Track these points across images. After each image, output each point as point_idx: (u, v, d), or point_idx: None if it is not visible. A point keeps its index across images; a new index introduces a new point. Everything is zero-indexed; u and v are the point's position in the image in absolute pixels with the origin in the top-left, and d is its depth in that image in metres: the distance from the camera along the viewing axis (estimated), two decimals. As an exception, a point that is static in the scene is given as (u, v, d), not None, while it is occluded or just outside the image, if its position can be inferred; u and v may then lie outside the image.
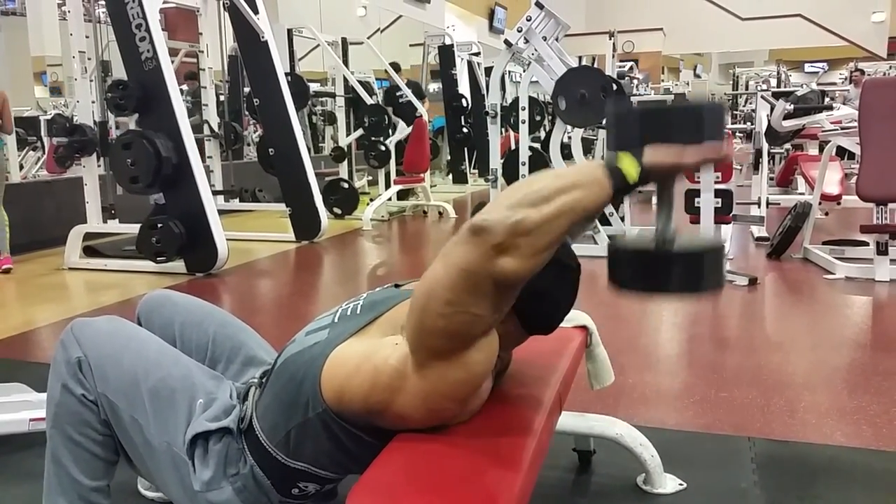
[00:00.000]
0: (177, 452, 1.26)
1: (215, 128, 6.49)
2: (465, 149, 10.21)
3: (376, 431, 1.14)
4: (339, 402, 1.14)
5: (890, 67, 13.90)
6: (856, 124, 4.48)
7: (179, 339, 1.52)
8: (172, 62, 4.82)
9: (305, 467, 1.22)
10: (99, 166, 5.15)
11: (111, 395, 1.30)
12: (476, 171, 10.45)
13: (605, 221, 5.28)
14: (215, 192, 5.80)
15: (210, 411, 1.28)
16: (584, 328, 1.71)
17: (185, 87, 7.59)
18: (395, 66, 8.59)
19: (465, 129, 10.01)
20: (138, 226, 4.60)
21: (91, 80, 4.96)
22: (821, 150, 5.96)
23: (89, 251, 5.08)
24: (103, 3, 4.74)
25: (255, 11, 5.59)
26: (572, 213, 0.94)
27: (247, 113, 7.42)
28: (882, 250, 4.11)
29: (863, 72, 11.77)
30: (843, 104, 6.76)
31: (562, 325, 1.54)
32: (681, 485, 1.83)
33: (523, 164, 5.17)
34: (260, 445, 1.24)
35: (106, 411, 1.31)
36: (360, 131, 7.48)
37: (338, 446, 1.18)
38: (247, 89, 6.43)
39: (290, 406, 1.19)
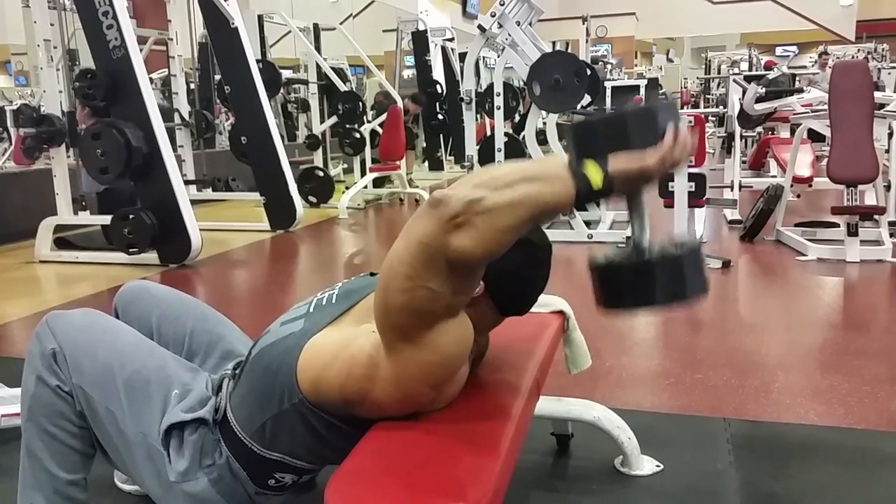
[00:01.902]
0: (152, 444, 1.25)
1: (186, 116, 6.40)
2: (441, 136, 10.18)
3: (354, 421, 1.14)
4: (316, 392, 1.13)
5: (858, 50, 14.04)
6: (826, 107, 4.53)
7: (157, 332, 1.51)
8: (141, 50, 4.74)
9: (282, 458, 1.22)
10: (68, 157, 5.06)
11: (86, 386, 1.29)
12: (452, 157, 10.44)
13: (581, 206, 5.30)
14: (187, 182, 5.73)
15: (185, 402, 1.27)
16: (561, 313, 1.72)
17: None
18: (418, 100, 8.80)
19: (440, 116, 9.97)
20: (110, 217, 4.53)
21: (58, 70, 4.86)
22: (792, 132, 6.02)
23: (61, 243, 5.00)
24: (68, -11, 4.65)
25: (225, -3, 5.50)
26: (532, 204, 0.94)
27: (218, 101, 7.33)
28: (852, 231, 4.17)
29: (828, 53, 11.89)
30: (809, 85, 6.83)
31: (539, 309, 1.54)
32: (658, 466, 1.85)
33: (499, 150, 5.16)
34: (235, 436, 1.23)
35: (81, 403, 1.30)
36: (334, 119, 7.43)
37: (314, 436, 1.18)
38: (217, 77, 6.35)
39: (265, 397, 1.19)
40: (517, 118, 8.03)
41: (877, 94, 4.60)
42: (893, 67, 9.60)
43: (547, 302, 1.71)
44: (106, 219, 4.59)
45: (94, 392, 1.28)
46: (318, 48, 7.77)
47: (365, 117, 7.53)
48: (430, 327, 1.04)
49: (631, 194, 1.01)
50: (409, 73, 11.21)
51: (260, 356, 1.22)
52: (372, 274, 1.33)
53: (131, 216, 4.44)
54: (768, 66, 11.41)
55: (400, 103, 7.71)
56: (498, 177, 0.95)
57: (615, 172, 0.95)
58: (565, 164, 0.96)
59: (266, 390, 1.18)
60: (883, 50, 13.87)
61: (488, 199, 0.93)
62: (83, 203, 5.09)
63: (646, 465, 1.85)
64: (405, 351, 1.06)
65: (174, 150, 5.17)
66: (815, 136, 5.87)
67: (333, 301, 1.23)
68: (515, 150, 5.56)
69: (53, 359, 1.30)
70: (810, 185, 5.47)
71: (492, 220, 0.94)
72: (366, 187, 7.29)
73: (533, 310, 1.25)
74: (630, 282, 1.02)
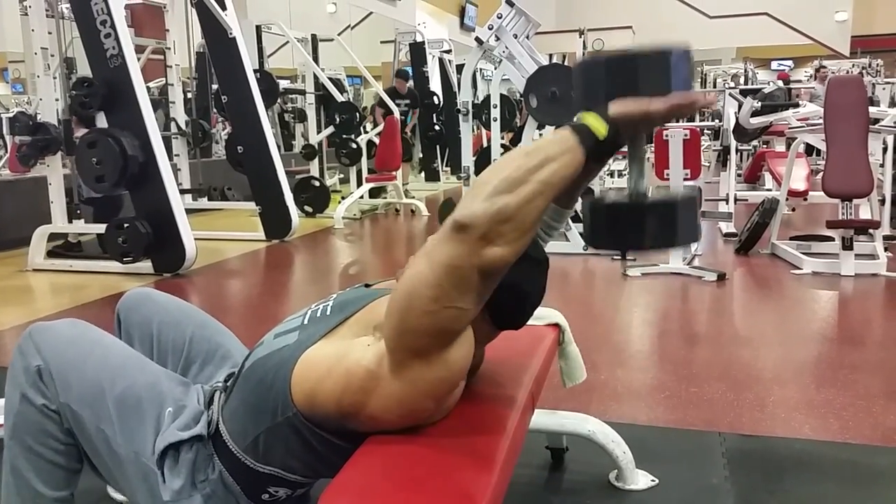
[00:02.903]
0: (145, 462, 1.22)
1: (183, 125, 6.40)
2: (438, 147, 10.20)
3: (348, 434, 1.12)
4: (311, 405, 1.12)
5: (853, 65, 14.14)
6: (821, 121, 4.55)
7: (157, 338, 1.49)
8: (139, 59, 4.74)
9: (275, 472, 1.20)
10: (64, 166, 5.05)
11: (75, 404, 1.25)
12: (448, 168, 10.45)
13: (578, 219, 5.31)
14: (183, 191, 5.73)
15: (180, 420, 1.24)
16: (556, 326, 1.71)
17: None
18: (404, 74, 8.72)
19: (437, 127, 10.00)
20: (104, 226, 4.52)
21: (54, 78, 4.85)
22: (788, 146, 6.05)
23: (57, 251, 4.98)
24: (66, -2, 4.65)
25: (224, 8, 5.52)
26: (550, 187, 0.93)
27: (215, 110, 7.33)
28: (847, 245, 4.18)
29: (826, 67, 11.98)
30: (810, 101, 6.87)
31: (534, 322, 1.53)
32: (653, 481, 1.84)
33: (495, 161, 5.17)
34: (228, 451, 1.21)
35: (69, 421, 1.27)
36: (330, 129, 7.44)
37: (308, 450, 1.16)
38: (215, 86, 6.36)
39: (258, 410, 1.17)
40: (516, 129, 8.04)
41: (871, 109, 4.63)
42: (888, 83, 9.66)
43: (542, 314, 1.70)
44: (100, 227, 4.58)
45: (83, 410, 1.25)
46: (315, 59, 7.79)
47: (362, 128, 7.53)
48: (449, 345, 1.03)
49: (633, 139, 1.00)
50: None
51: (253, 369, 1.20)
52: (367, 285, 1.32)
53: (126, 225, 4.43)
54: (783, 79, 11.54)
55: (397, 114, 7.73)
56: (509, 177, 0.93)
57: (617, 116, 0.94)
58: (567, 129, 0.95)
59: (259, 403, 1.16)
60: (877, 65, 13.98)
61: (510, 204, 0.92)
62: (78, 212, 5.07)
63: (641, 480, 1.84)
64: (416, 368, 1.04)
65: (170, 159, 5.16)
66: (810, 150, 5.90)
67: (328, 313, 1.22)
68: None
69: (39, 376, 1.26)
70: (805, 199, 5.50)
71: (519, 223, 0.93)
72: (362, 197, 7.29)
73: (528, 322, 1.25)
74: (622, 222, 1.01)
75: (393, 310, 1.03)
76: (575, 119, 0.96)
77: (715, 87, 13.41)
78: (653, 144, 4.52)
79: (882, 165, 4.88)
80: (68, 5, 4.64)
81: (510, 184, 0.93)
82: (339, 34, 9.78)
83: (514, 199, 0.92)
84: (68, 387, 1.26)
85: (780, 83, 10.10)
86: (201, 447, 1.23)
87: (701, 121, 7.82)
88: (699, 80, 15.37)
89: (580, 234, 4.58)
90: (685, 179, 4.31)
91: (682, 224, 0.99)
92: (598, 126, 0.94)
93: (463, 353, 1.06)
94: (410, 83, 9.23)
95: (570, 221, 4.82)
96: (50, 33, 4.81)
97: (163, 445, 1.21)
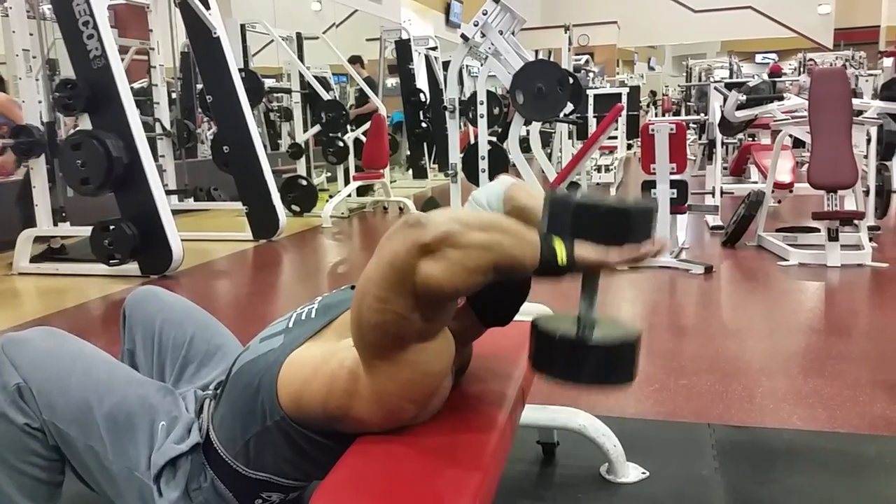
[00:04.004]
0: (139, 477, 1.21)
1: (168, 126, 6.36)
2: (425, 144, 10.19)
3: (337, 436, 1.12)
4: (298, 408, 1.11)
5: (836, 58, 14.22)
6: (806, 114, 4.57)
7: (158, 335, 1.49)
8: (122, 60, 4.70)
9: (267, 477, 1.19)
10: (48, 166, 5.01)
11: (60, 422, 1.22)
12: (436, 166, 10.44)
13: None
14: (169, 192, 5.69)
15: (174, 433, 1.23)
16: (544, 321, 1.71)
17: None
18: (358, 59, 8.56)
19: (423, 124, 9.98)
20: (90, 228, 4.49)
21: (37, 80, 4.81)
22: (773, 139, 6.08)
23: (44, 255, 4.94)
24: (47, -1, 4.61)
25: (207, 7, 5.48)
26: (501, 253, 0.96)
27: (200, 110, 7.29)
28: (833, 237, 4.21)
29: (815, 61, 12.06)
30: (797, 94, 6.90)
31: (522, 318, 1.53)
32: (643, 473, 1.85)
33: (483, 158, 5.15)
34: (219, 458, 1.20)
35: (55, 438, 1.24)
36: (317, 127, 7.41)
37: (298, 453, 1.16)
38: (199, 86, 6.32)
39: (247, 416, 1.16)
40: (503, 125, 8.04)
41: (855, 101, 4.66)
42: (871, 75, 9.72)
43: (530, 310, 1.70)
44: (86, 230, 4.54)
45: (69, 428, 1.22)
46: (301, 57, 7.76)
47: (349, 126, 7.51)
48: (403, 349, 1.03)
49: (587, 275, 1.06)
50: (392, 82, 11.21)
51: (240, 374, 1.19)
52: (352, 287, 1.32)
53: (112, 227, 4.40)
54: (774, 71, 11.60)
55: (383, 111, 7.71)
56: (477, 220, 0.98)
57: (578, 259, 0.99)
58: (539, 233, 1.00)
59: (247, 409, 1.16)
60: (860, 57, 14.06)
61: (463, 235, 0.95)
62: (63, 214, 5.03)
63: (631, 473, 1.85)
64: (382, 368, 1.04)
65: (155, 159, 5.13)
66: (797, 143, 5.93)
67: (313, 316, 1.21)
68: (499, 157, 5.56)
69: (19, 394, 1.23)
70: (791, 191, 5.53)
71: (462, 256, 0.94)
72: (349, 196, 7.27)
73: (516, 318, 1.25)
74: (563, 356, 1.05)
75: (353, 306, 1.04)
76: (548, 235, 1.01)
77: (700, 80, 13.47)
78: (640, 139, 4.53)
79: (866, 157, 4.92)
80: (50, 6, 4.60)
81: (474, 223, 0.97)
82: (324, 32, 9.75)
83: (469, 233, 0.95)
84: (52, 405, 1.23)
85: (765, 76, 10.15)
86: (195, 456, 1.22)
87: (686, 115, 7.85)
88: (685, 73, 15.42)
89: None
90: (671, 173, 4.33)
91: (620, 366, 1.04)
92: (560, 255, 0.99)
93: (432, 356, 1.06)
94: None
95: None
96: (31, 35, 4.76)
97: (162, 462, 1.19)
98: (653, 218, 1.04)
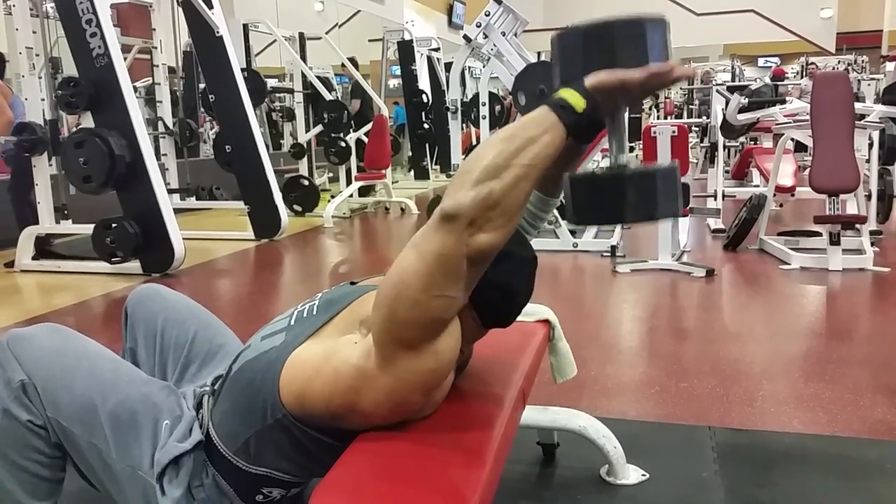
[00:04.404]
0: (142, 476, 1.21)
1: (170, 125, 6.37)
2: (427, 144, 10.19)
3: (338, 433, 1.12)
4: (300, 406, 1.11)
5: (839, 61, 14.22)
6: (808, 117, 4.57)
7: (160, 335, 1.49)
8: (125, 58, 4.71)
9: (267, 472, 1.19)
10: (50, 165, 5.02)
11: (64, 420, 1.22)
12: (438, 166, 10.45)
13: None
14: (171, 191, 5.70)
15: (177, 431, 1.22)
16: (546, 322, 1.71)
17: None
18: (352, 61, 8.55)
19: (426, 125, 9.99)
20: (92, 226, 4.49)
21: (40, 78, 4.81)
22: (775, 142, 6.08)
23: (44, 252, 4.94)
24: (51, -3, 4.62)
25: (210, 6, 5.49)
26: (534, 169, 0.93)
27: (202, 109, 7.30)
28: (835, 240, 4.21)
29: (817, 65, 12.07)
30: (800, 97, 6.91)
31: (524, 319, 1.53)
32: (644, 475, 1.85)
33: (477, 148, 5.17)
34: (220, 454, 1.20)
35: (58, 436, 1.24)
36: (319, 127, 7.42)
37: (300, 450, 1.16)
38: (202, 86, 6.33)
39: (248, 413, 1.16)
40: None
41: (857, 105, 4.66)
42: (873, 79, 9.72)
43: (532, 311, 1.70)
44: (88, 227, 4.55)
45: (73, 426, 1.22)
46: (303, 57, 7.77)
47: (350, 127, 7.52)
48: (437, 335, 1.03)
49: (612, 113, 1.01)
50: (394, 83, 11.22)
51: (241, 371, 1.19)
52: (352, 283, 1.32)
53: (114, 225, 4.40)
54: (778, 74, 11.60)
55: (385, 112, 7.72)
56: (493, 163, 0.93)
57: (594, 87, 0.94)
58: (545, 108, 0.95)
59: (249, 406, 1.15)
60: (863, 61, 14.06)
61: (495, 189, 0.92)
62: (65, 212, 5.04)
63: (631, 475, 1.84)
64: (403, 361, 1.03)
65: (158, 158, 5.13)
66: (799, 147, 5.93)
67: (314, 313, 1.21)
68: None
69: (23, 391, 1.23)
70: (793, 195, 5.53)
71: (505, 207, 0.93)
72: (351, 196, 7.27)
73: (518, 319, 1.25)
74: (602, 196, 1.01)
75: (381, 302, 1.02)
76: (553, 96, 0.96)
77: (702, 83, 13.47)
78: (641, 142, 4.54)
79: (868, 161, 4.91)
80: (53, 4, 4.61)
81: (494, 170, 0.92)
82: (326, 32, 9.76)
83: (498, 184, 0.92)
84: (56, 402, 1.23)
85: (768, 80, 10.15)
86: (197, 454, 1.22)
87: (688, 118, 7.85)
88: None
89: (558, 208, 4.60)
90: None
91: (662, 195, 0.99)
92: (576, 100, 0.94)
93: (451, 344, 1.06)
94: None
95: (559, 218, 4.83)
96: (34, 33, 4.77)
97: (166, 460, 1.19)
98: (667, 33, 0.97)
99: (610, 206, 1.00)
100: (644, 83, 0.94)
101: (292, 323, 1.21)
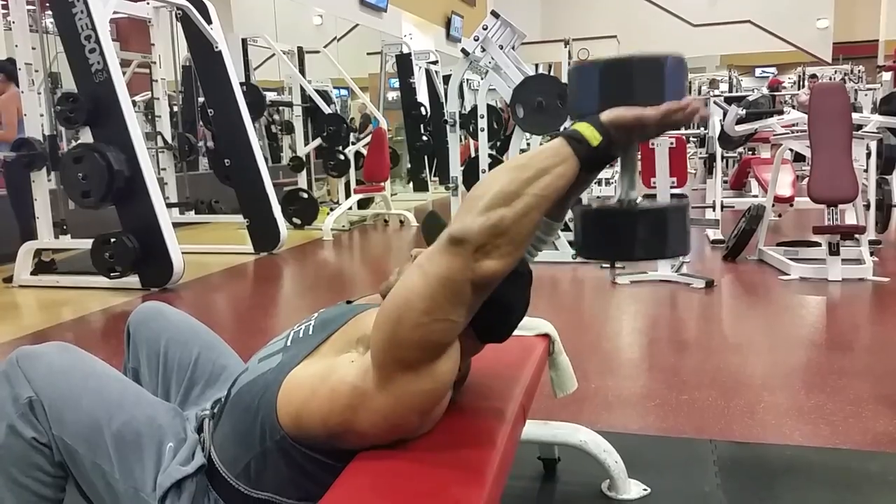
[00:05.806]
0: (144, 498, 1.20)
1: (169, 139, 6.38)
2: (426, 157, 10.22)
3: (337, 454, 1.11)
4: (298, 427, 1.10)
5: (835, 72, 14.27)
6: (806, 128, 4.58)
7: (164, 356, 1.48)
8: (124, 73, 4.72)
9: (269, 497, 1.17)
10: (49, 180, 5.02)
11: (69, 439, 1.21)
12: (437, 178, 10.46)
13: (567, 228, 5.33)
14: (170, 205, 5.70)
15: (180, 454, 1.22)
16: (546, 336, 1.71)
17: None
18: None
19: (424, 138, 10.02)
20: (91, 241, 4.49)
21: (39, 93, 4.83)
22: (773, 153, 6.09)
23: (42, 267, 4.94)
24: (50, 13, 4.63)
25: (209, 21, 5.51)
26: (545, 199, 0.94)
27: (201, 124, 7.32)
28: (834, 251, 4.21)
29: (816, 76, 12.11)
30: (798, 108, 6.93)
31: (524, 333, 1.52)
32: (645, 490, 1.84)
33: (483, 171, 5.19)
34: (221, 478, 1.19)
35: (62, 455, 1.23)
36: (318, 141, 7.44)
37: (300, 472, 1.14)
38: (201, 100, 6.35)
39: (247, 436, 1.15)
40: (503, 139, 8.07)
41: (854, 116, 4.67)
42: (870, 89, 9.75)
43: (532, 325, 1.70)
44: (87, 242, 4.55)
45: (78, 446, 1.21)
46: (302, 71, 7.79)
47: (351, 136, 7.54)
48: (437, 358, 1.03)
49: (626, 147, 1.01)
50: (393, 96, 11.25)
51: (240, 395, 1.19)
52: (348, 302, 1.31)
53: (112, 239, 4.40)
54: (774, 84, 11.63)
55: (384, 125, 7.74)
56: (504, 190, 0.93)
57: (611, 122, 0.94)
58: (561, 140, 0.96)
59: (247, 429, 1.15)
60: (859, 71, 14.10)
61: (506, 217, 0.92)
62: (64, 227, 5.04)
63: (633, 489, 1.83)
64: (403, 381, 1.03)
65: (157, 172, 5.14)
66: (797, 157, 5.94)
67: (310, 333, 1.20)
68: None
69: (30, 408, 1.22)
70: (791, 205, 5.53)
71: (514, 235, 0.93)
72: (350, 209, 7.28)
73: (517, 333, 1.24)
74: (612, 232, 1.01)
75: (382, 322, 1.02)
76: (567, 127, 0.96)
77: (700, 94, 13.52)
78: (640, 153, 4.54)
79: (866, 171, 4.92)
80: (52, 20, 4.63)
81: (505, 197, 0.93)
82: (325, 46, 9.80)
83: (509, 212, 0.92)
84: (62, 421, 1.22)
85: (765, 90, 10.18)
86: (199, 478, 1.21)
87: (686, 129, 7.86)
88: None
89: (569, 242, 4.60)
90: (672, 187, 4.33)
91: (672, 233, 0.99)
92: (592, 135, 0.95)
93: (450, 366, 1.06)
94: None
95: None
96: (34, 48, 4.80)
97: (168, 483, 1.18)
98: (685, 70, 0.97)
99: (619, 243, 1.01)
100: (660, 122, 0.95)
101: (289, 344, 1.20)
